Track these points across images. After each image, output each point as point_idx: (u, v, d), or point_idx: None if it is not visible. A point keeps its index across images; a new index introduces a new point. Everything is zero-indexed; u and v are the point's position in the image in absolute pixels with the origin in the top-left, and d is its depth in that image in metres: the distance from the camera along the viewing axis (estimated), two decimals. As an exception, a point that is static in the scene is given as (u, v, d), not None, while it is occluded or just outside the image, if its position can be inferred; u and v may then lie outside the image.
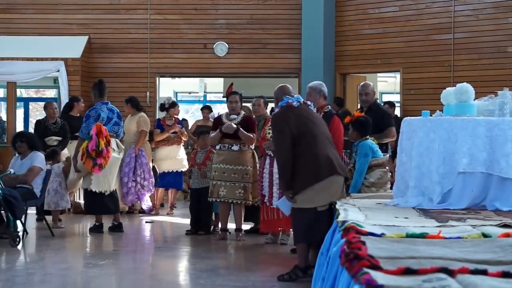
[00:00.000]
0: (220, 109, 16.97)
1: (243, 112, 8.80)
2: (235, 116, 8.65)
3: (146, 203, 10.96)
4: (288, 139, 6.11)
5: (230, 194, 8.45)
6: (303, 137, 6.15)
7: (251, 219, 9.06)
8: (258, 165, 8.55)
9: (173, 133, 11.18)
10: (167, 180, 11.09)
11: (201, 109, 13.64)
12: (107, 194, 9.11)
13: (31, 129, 11.01)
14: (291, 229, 8.27)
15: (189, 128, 12.97)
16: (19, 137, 9.06)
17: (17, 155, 9.10)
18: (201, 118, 13.49)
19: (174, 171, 11.14)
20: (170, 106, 11.39)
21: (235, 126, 8.46)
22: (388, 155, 7.74)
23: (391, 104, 12.72)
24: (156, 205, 11.15)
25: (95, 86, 9.38)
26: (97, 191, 9.04)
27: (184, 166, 11.10)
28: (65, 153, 10.18)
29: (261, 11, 14.24)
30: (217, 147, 8.62)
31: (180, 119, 12.00)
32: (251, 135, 8.52)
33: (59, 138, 10.45)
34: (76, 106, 11.35)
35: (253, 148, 8.65)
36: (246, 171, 8.49)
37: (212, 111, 13.43)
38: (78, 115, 11.05)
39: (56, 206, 9.56)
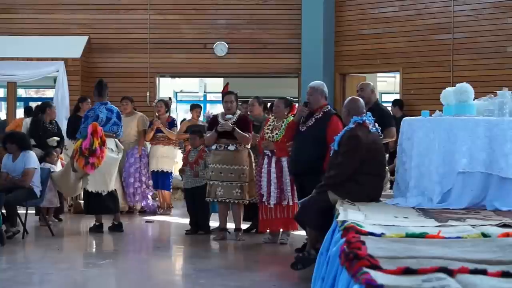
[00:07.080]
0: (220, 109, 16.89)
1: (238, 112, 8.79)
2: (230, 116, 8.63)
3: (151, 202, 10.99)
4: (357, 161, 6.16)
5: (228, 194, 8.45)
6: (368, 161, 6.21)
7: (248, 218, 9.04)
8: (254, 164, 8.57)
9: (159, 132, 11.06)
10: (153, 179, 11.03)
11: (192, 108, 12.07)
12: (105, 194, 9.06)
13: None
14: (291, 229, 8.33)
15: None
16: (9, 138, 8.87)
17: (7, 155, 8.95)
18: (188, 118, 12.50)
19: (156, 170, 10.93)
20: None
21: (231, 126, 8.46)
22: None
23: (400, 105, 12.55)
24: (163, 204, 11.12)
25: (95, 86, 9.37)
26: (93, 191, 9.01)
27: (171, 166, 11.00)
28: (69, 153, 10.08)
29: (261, 11, 14.24)
30: (213, 147, 8.61)
31: (175, 118, 11.88)
32: (247, 135, 8.50)
33: (58, 138, 10.44)
34: (82, 106, 11.32)
35: (249, 147, 8.65)
36: (243, 170, 8.49)
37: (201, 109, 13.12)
38: None
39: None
